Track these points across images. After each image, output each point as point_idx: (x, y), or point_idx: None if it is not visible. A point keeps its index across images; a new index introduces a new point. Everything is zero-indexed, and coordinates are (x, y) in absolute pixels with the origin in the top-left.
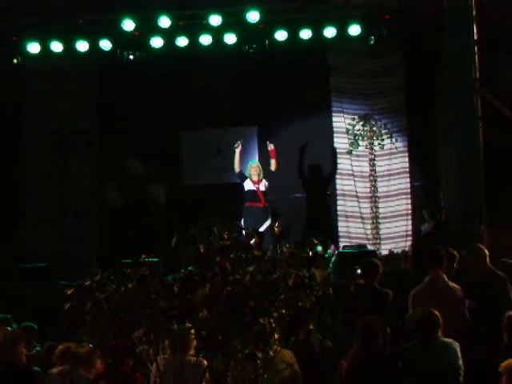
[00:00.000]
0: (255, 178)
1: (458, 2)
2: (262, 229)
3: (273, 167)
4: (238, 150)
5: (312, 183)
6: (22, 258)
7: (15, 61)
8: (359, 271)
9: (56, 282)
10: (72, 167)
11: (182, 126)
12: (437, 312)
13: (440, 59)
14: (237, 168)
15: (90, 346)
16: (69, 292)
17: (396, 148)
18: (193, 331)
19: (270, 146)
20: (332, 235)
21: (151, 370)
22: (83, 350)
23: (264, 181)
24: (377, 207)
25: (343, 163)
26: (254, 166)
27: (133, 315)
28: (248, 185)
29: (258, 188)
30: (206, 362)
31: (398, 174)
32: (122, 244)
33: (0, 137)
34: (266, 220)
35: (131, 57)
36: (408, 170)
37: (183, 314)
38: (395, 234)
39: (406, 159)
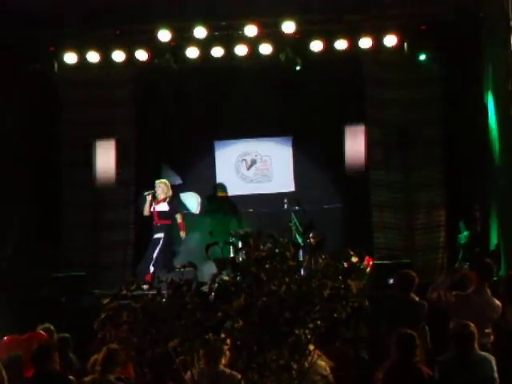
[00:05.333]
0: (161, 197)
1: (495, 11)
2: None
3: (182, 235)
4: (148, 198)
5: (347, 194)
6: (57, 266)
7: (53, 71)
8: (391, 281)
9: (92, 290)
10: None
11: (216, 137)
12: (473, 325)
13: (478, 69)
14: (146, 213)
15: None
16: (105, 302)
17: (432, 159)
18: (228, 342)
19: (179, 218)
20: (367, 246)
21: (186, 380)
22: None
23: (167, 200)
24: (412, 218)
25: (378, 174)
26: (160, 186)
27: (168, 325)
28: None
29: (154, 208)
30: (239, 376)
31: (434, 184)
32: (158, 252)
33: (36, 146)
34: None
35: (167, 67)
36: (444, 180)
37: (218, 325)
38: (430, 245)
39: (442, 170)
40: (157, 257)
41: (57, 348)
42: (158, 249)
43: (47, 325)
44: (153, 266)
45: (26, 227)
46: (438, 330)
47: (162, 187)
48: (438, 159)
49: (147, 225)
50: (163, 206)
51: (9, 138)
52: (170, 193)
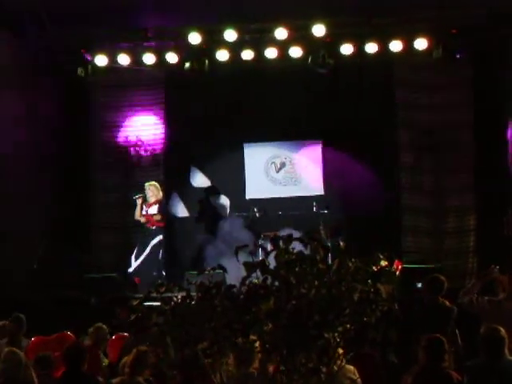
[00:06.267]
0: (152, 200)
1: None
2: (147, 250)
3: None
4: (139, 201)
5: (376, 198)
6: (88, 268)
7: (84, 72)
8: (419, 285)
9: (122, 292)
10: (138, 178)
11: (246, 139)
12: (503, 329)
13: (508, 71)
14: (137, 216)
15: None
16: (134, 303)
17: (463, 162)
18: (257, 344)
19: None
20: (396, 250)
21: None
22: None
23: (158, 203)
24: (442, 222)
25: (408, 177)
26: (150, 188)
27: (198, 327)
28: (143, 209)
29: (146, 211)
30: (271, 370)
31: (464, 188)
32: (186, 255)
33: (66, 147)
34: (152, 240)
35: (197, 70)
36: (474, 184)
37: (248, 327)
38: (460, 249)
39: (473, 173)
40: (163, 259)
41: (86, 351)
42: (161, 252)
43: (99, 324)
44: (162, 269)
45: (56, 228)
46: (469, 336)
47: (153, 190)
48: (468, 162)
49: (179, 226)
50: (155, 209)
51: (40, 140)
52: (161, 195)
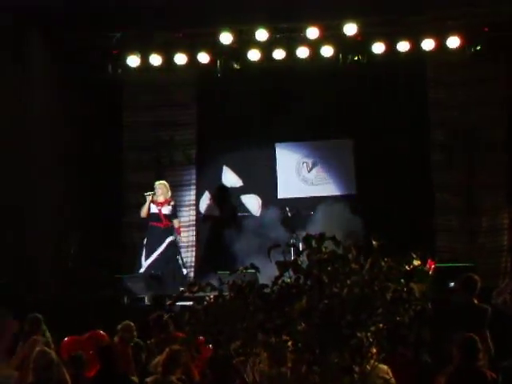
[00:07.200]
0: (161, 199)
1: None
2: (162, 247)
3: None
4: (149, 199)
5: (407, 197)
6: (119, 267)
7: (116, 73)
8: (452, 285)
9: (153, 292)
10: (170, 179)
11: (277, 139)
12: None
13: None
14: (144, 214)
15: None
16: (168, 303)
17: (496, 160)
18: (290, 344)
19: (177, 223)
20: (429, 249)
21: (248, 382)
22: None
23: (171, 203)
24: (475, 221)
25: (440, 176)
26: (160, 187)
27: (230, 327)
28: (152, 208)
29: (160, 210)
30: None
31: (498, 186)
32: (218, 254)
33: (100, 148)
34: (166, 238)
35: (228, 69)
36: (508, 182)
37: (280, 327)
38: (494, 248)
39: (506, 171)
40: (182, 260)
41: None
42: (179, 252)
43: (127, 322)
44: (185, 268)
45: (89, 228)
46: (503, 336)
47: (162, 188)
48: (502, 161)
49: (211, 225)
50: (167, 209)
51: (74, 141)
52: (169, 194)
